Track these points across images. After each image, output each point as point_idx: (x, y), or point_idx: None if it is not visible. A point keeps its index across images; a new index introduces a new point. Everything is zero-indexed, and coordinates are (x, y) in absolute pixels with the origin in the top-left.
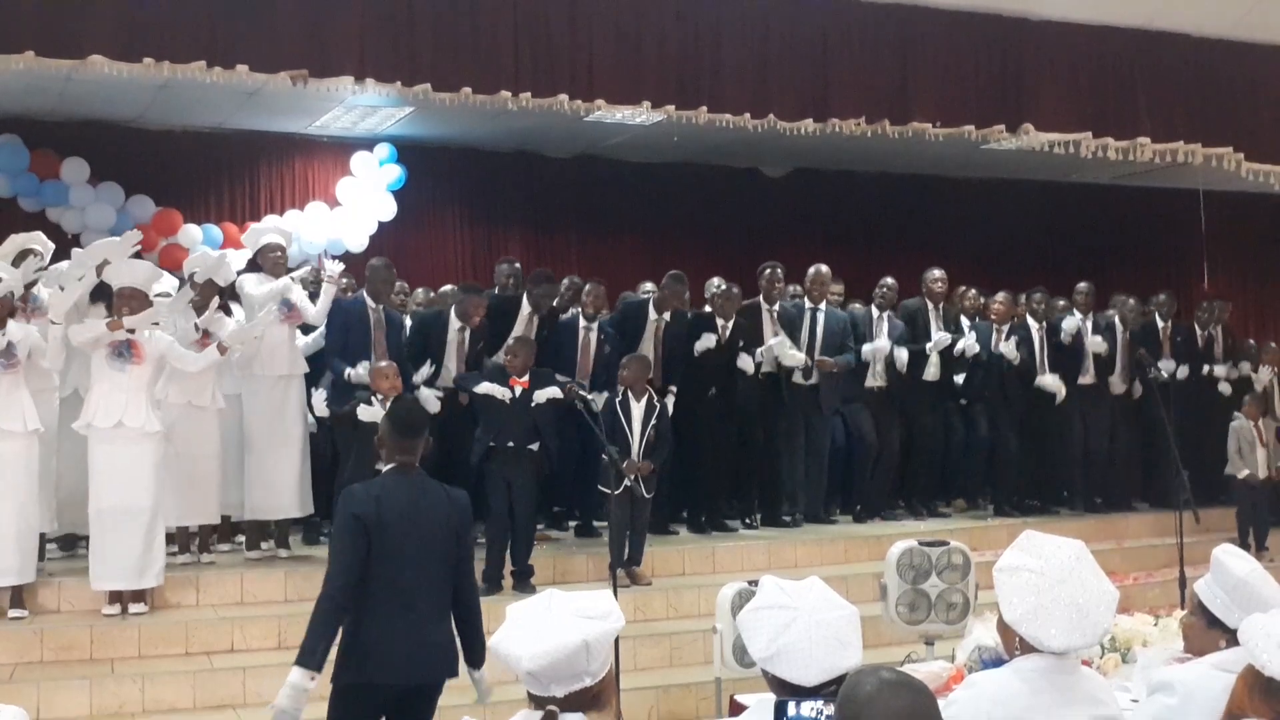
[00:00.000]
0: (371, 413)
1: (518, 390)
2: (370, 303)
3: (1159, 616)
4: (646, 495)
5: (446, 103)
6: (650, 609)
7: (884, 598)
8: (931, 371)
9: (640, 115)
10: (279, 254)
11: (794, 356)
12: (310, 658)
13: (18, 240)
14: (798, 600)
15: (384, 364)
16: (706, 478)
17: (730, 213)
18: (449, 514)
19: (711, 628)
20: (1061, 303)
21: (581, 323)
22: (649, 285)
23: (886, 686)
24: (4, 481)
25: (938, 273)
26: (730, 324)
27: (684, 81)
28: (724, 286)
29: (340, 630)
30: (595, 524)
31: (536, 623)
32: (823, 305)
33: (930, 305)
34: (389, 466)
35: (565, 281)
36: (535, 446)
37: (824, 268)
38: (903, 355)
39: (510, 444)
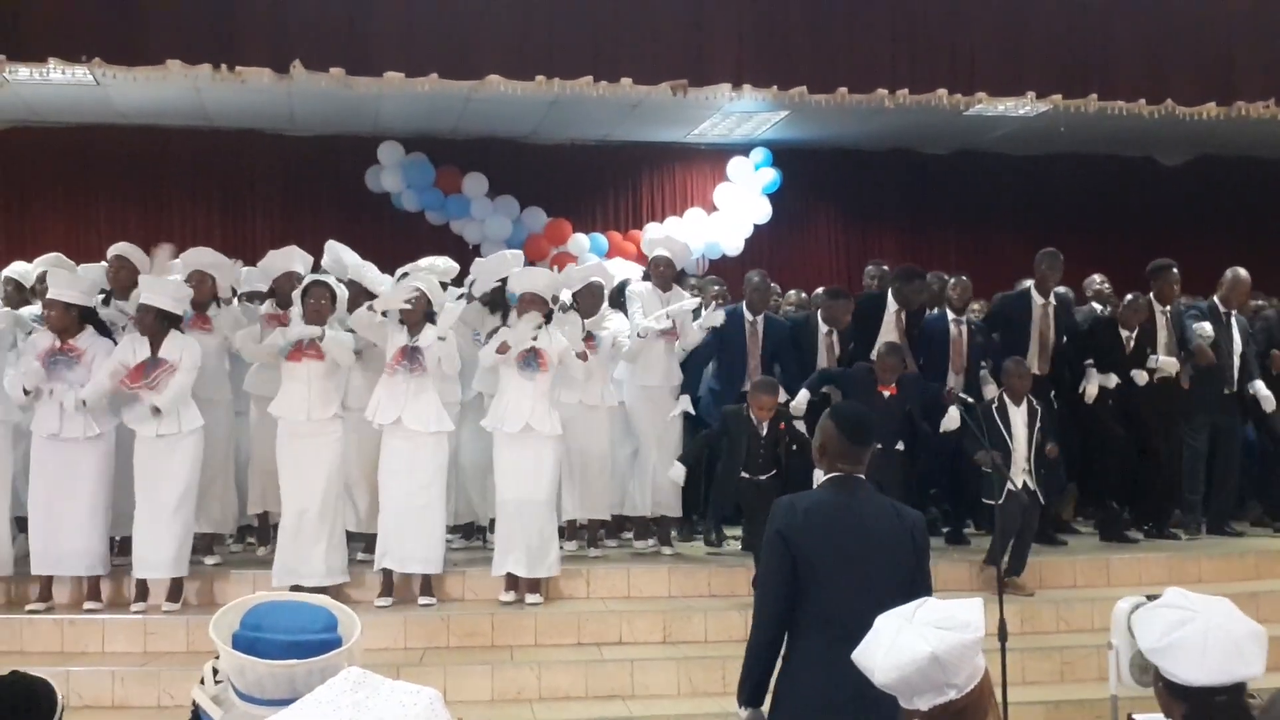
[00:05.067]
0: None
1: (886, 395)
2: (748, 315)
3: None
4: (1042, 502)
5: (822, 104)
6: (1038, 621)
7: None
8: None
9: (1024, 107)
10: (665, 268)
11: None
12: (741, 692)
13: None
14: (1200, 605)
15: (762, 393)
16: (1106, 485)
17: (1122, 205)
18: (898, 533)
19: (1106, 643)
20: None
21: (950, 317)
22: (1027, 282)
23: None
24: (411, 478)
25: None
26: (1134, 333)
27: (1071, 69)
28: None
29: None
30: (965, 531)
31: (894, 633)
32: (1234, 312)
33: None
34: (827, 476)
35: (929, 276)
36: (901, 446)
37: (1242, 272)
38: None
39: (878, 446)
